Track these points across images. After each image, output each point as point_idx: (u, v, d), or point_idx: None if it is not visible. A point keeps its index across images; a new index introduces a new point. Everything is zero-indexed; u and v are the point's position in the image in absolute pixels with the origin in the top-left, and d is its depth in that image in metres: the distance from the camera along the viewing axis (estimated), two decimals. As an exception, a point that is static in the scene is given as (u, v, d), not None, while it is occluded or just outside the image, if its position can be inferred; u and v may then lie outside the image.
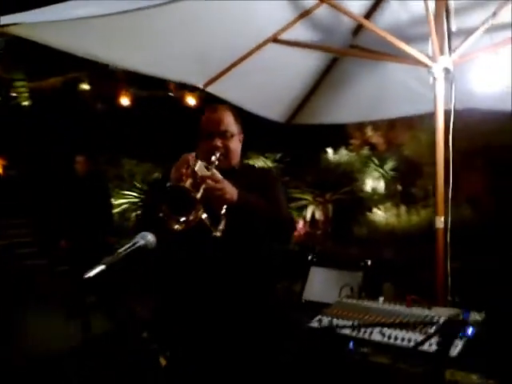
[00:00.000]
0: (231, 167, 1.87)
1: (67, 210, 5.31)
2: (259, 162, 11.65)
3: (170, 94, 16.83)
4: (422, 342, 1.72)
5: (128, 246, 1.21)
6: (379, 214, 10.34)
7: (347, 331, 1.96)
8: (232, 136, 1.86)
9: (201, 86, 2.97)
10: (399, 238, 9.19)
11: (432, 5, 2.28)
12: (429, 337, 1.75)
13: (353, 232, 9.51)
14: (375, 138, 12.90)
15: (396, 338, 1.85)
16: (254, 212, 1.70)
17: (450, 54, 2.30)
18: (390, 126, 12.65)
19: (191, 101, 16.30)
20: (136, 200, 9.75)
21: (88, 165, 5.45)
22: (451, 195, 2.45)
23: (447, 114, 2.37)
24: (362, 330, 1.95)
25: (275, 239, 1.88)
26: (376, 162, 11.45)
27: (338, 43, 2.98)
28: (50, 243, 6.09)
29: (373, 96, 3.38)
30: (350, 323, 2.02)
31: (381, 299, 2.22)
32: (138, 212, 9.84)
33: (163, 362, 3.93)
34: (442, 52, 2.29)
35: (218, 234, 1.53)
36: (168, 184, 1.51)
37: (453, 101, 2.33)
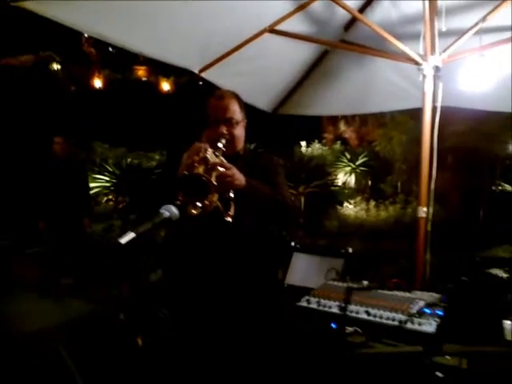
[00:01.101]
0: (236, 153, 1.92)
1: (44, 192, 5.24)
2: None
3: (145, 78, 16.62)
4: (406, 321, 1.84)
5: (155, 216, 1.27)
6: (349, 208, 10.60)
7: (334, 310, 2.08)
8: (237, 123, 1.90)
9: (196, 71, 3.01)
10: (367, 232, 9.47)
11: (425, 5, 2.40)
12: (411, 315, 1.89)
13: (324, 225, 9.72)
14: (348, 133, 13.18)
15: (381, 317, 1.98)
16: (260, 197, 1.75)
17: (439, 53, 2.43)
18: (363, 122, 12.95)
19: (165, 86, 16.17)
20: (108, 184, 9.62)
21: (66, 146, 5.38)
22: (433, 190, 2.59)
23: (433, 110, 2.50)
24: (349, 309, 2.07)
25: (280, 224, 1.95)
26: (348, 156, 11.73)
27: (330, 37, 3.08)
28: (27, 224, 5.98)
29: (359, 90, 3.50)
30: (336, 303, 2.14)
31: (365, 282, 2.35)
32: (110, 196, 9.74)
33: (139, 342, 3.99)
34: (432, 51, 2.42)
35: (229, 218, 1.58)
36: (185, 172, 1.54)
37: (439, 98, 2.46)
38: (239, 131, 1.93)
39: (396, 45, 2.48)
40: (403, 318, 1.94)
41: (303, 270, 3.08)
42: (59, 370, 2.83)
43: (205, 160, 1.62)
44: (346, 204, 10.65)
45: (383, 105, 3.76)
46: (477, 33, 2.35)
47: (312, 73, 3.47)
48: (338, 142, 12.73)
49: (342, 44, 3.06)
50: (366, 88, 3.51)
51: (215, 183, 1.48)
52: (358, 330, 2.39)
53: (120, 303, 4.67)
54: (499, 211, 10.03)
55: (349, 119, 12.84)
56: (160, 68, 15.96)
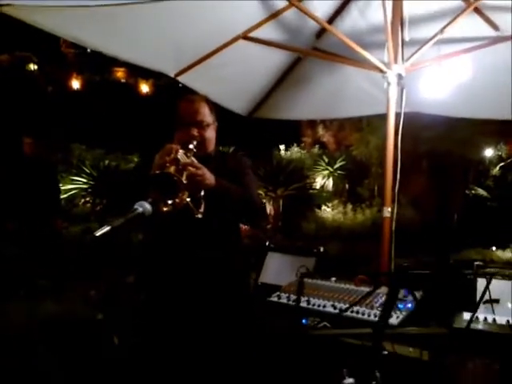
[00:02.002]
0: (207, 154, 2.00)
1: (13, 192, 5.17)
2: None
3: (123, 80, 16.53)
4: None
5: (129, 212, 1.34)
6: (327, 211, 10.77)
7: (304, 304, 2.19)
8: (208, 126, 1.99)
9: (172, 75, 3.09)
10: (345, 235, 9.64)
11: (389, 15, 2.53)
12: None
13: (301, 227, 9.85)
14: (326, 137, 13.38)
15: (346, 310, 2.09)
16: (229, 196, 1.84)
17: (403, 61, 2.56)
18: (340, 127, 13.17)
19: (144, 88, 16.14)
20: (85, 186, 9.57)
21: (36, 147, 5.35)
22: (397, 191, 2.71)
23: (398, 116, 2.63)
24: (316, 303, 2.18)
25: (247, 222, 2.04)
26: (326, 160, 11.92)
27: (302, 44, 3.19)
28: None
29: (331, 95, 3.63)
30: (305, 298, 2.24)
31: (333, 279, 2.47)
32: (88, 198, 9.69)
33: (116, 340, 4.03)
34: (396, 60, 2.55)
35: (200, 215, 1.67)
36: (156, 171, 1.61)
37: (403, 104, 2.60)
38: (210, 133, 2.02)
39: (362, 53, 2.60)
40: (366, 310, 2.06)
41: (276, 268, 3.17)
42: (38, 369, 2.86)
43: (176, 160, 1.70)
44: (323, 207, 10.81)
45: (353, 110, 3.90)
46: (437, 43, 2.49)
47: (286, 78, 3.57)
48: (317, 146, 12.92)
49: (313, 52, 3.17)
50: (338, 93, 3.64)
51: (185, 182, 1.57)
52: (327, 324, 2.52)
53: (98, 303, 4.68)
54: (472, 215, 10.33)
55: (327, 124, 13.04)
56: (139, 70, 15.90)
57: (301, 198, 10.57)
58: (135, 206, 1.38)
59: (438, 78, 2.54)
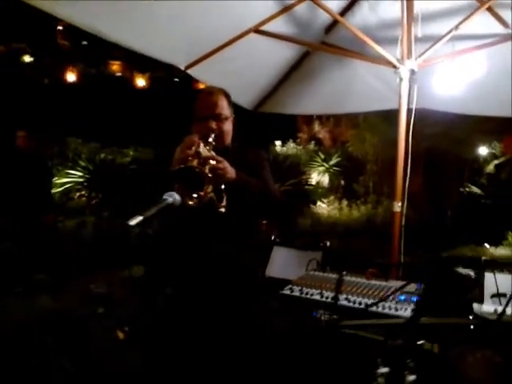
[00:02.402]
0: (225, 147, 1.98)
1: (4, 187, 5.12)
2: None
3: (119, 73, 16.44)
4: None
5: (158, 202, 1.34)
6: (323, 207, 10.81)
7: (317, 297, 2.20)
8: (226, 119, 1.98)
9: (182, 67, 3.09)
10: (340, 230, 9.69)
11: (404, 10, 2.54)
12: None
13: (297, 223, 9.88)
14: (322, 133, 13.39)
15: (360, 304, 2.11)
16: (249, 189, 1.84)
17: (415, 57, 2.58)
18: (336, 123, 13.19)
19: (140, 82, 16.05)
20: (81, 180, 9.52)
21: (29, 141, 5.31)
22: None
23: (409, 112, 2.65)
24: (329, 296, 2.20)
25: (266, 215, 2.04)
26: (322, 156, 11.94)
27: (311, 39, 3.20)
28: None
29: (338, 91, 3.65)
30: (317, 291, 2.26)
31: (344, 272, 2.48)
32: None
33: (121, 335, 4.03)
34: (409, 55, 2.57)
35: (223, 209, 1.66)
36: (181, 165, 1.60)
37: (414, 100, 2.62)
38: (228, 126, 2.01)
39: (375, 48, 2.62)
40: (379, 304, 2.08)
41: (282, 262, 3.19)
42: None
43: (198, 154, 1.69)
44: (319, 203, 10.85)
45: (360, 106, 3.92)
46: (450, 39, 2.51)
47: (293, 73, 3.58)
48: (312, 142, 12.92)
49: (324, 46, 3.18)
50: (345, 89, 3.65)
51: (210, 175, 1.57)
52: (335, 317, 2.54)
53: (99, 297, 4.67)
54: (466, 212, 10.43)
55: (323, 120, 13.05)
56: (135, 63, 15.86)
57: (297, 193, 10.59)
58: (165, 197, 1.38)
59: (449, 75, 2.56)
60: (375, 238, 8.70)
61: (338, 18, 2.77)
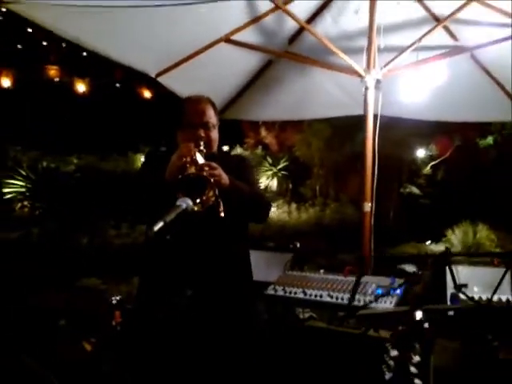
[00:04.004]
0: (211, 154, 2.01)
1: None
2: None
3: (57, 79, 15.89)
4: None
5: (174, 208, 1.37)
6: (272, 211, 10.99)
7: (300, 295, 2.31)
8: (213, 127, 2.03)
9: (153, 75, 3.10)
10: (290, 233, 9.90)
11: (365, 23, 2.72)
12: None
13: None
14: (268, 138, 13.64)
15: (342, 299, 2.24)
16: (241, 195, 1.89)
17: (380, 67, 2.76)
18: (282, 128, 13.49)
19: (81, 87, 15.60)
20: (22, 190, 9.11)
21: None
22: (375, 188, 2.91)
23: (375, 118, 2.84)
24: (313, 294, 2.31)
25: (255, 219, 2.10)
26: (270, 161, 12.17)
27: (276, 48, 3.32)
28: None
29: (299, 98, 3.80)
30: (300, 290, 2.37)
31: (321, 271, 2.61)
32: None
33: (88, 347, 3.95)
34: (374, 65, 2.75)
35: (222, 214, 1.68)
36: (185, 174, 1.62)
37: (379, 107, 2.80)
38: (215, 134, 2.07)
39: (343, 58, 2.77)
40: (361, 298, 2.22)
41: (254, 265, 3.26)
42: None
43: (194, 161, 1.74)
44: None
45: (321, 112, 4.10)
46: (413, 50, 2.72)
47: (256, 80, 3.69)
48: (260, 147, 13.13)
49: (293, 55, 3.30)
50: (306, 96, 3.81)
51: (212, 180, 1.62)
52: (313, 315, 2.67)
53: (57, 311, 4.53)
54: (406, 212, 10.99)
55: (269, 125, 13.28)
56: (74, 68, 15.40)
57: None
58: (178, 203, 1.42)
59: (411, 83, 2.77)
60: (324, 239, 9.00)
61: (306, 26, 2.90)
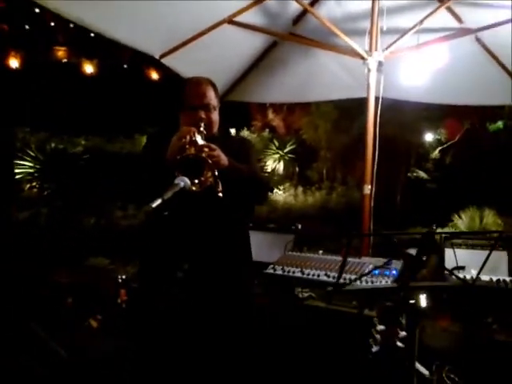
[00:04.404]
0: (212, 136, 2.03)
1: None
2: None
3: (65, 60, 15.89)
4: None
5: (172, 186, 1.41)
6: (279, 194, 11.03)
7: (298, 274, 2.36)
8: (214, 108, 2.05)
9: (157, 56, 3.12)
10: (296, 216, 9.94)
11: (369, 5, 2.71)
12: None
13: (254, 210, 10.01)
14: (275, 121, 13.58)
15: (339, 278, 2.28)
16: (240, 175, 1.92)
17: (382, 49, 2.75)
18: (289, 111, 13.42)
19: (89, 68, 15.58)
20: (31, 170, 9.22)
21: None
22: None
23: (376, 101, 2.84)
24: (310, 273, 2.36)
25: (254, 199, 2.13)
26: (276, 144, 12.15)
27: (280, 29, 3.32)
28: None
29: (303, 80, 3.80)
30: (298, 269, 2.42)
31: (320, 251, 2.65)
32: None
33: (94, 323, 4.04)
34: (376, 47, 2.74)
35: (220, 194, 1.74)
36: (183, 154, 1.66)
37: (381, 90, 2.81)
38: (216, 116, 2.09)
39: (345, 40, 2.77)
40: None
41: (257, 246, 3.31)
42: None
43: (194, 142, 1.78)
44: (275, 190, 11.05)
45: (325, 94, 4.10)
46: (415, 32, 2.71)
47: (260, 63, 3.69)
48: (267, 130, 13.09)
49: (297, 37, 3.29)
50: (310, 78, 3.80)
51: (210, 161, 1.66)
52: (312, 294, 2.72)
53: (65, 288, 4.62)
54: (413, 196, 10.97)
55: (276, 108, 13.22)
56: (82, 50, 15.36)
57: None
58: (176, 181, 1.45)
59: (414, 66, 2.76)
60: (330, 222, 9.03)
61: (309, 8, 2.89)
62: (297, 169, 12.03)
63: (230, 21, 2.95)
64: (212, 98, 2.06)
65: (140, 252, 2.06)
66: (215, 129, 2.11)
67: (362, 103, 4.15)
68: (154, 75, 16.17)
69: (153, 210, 1.30)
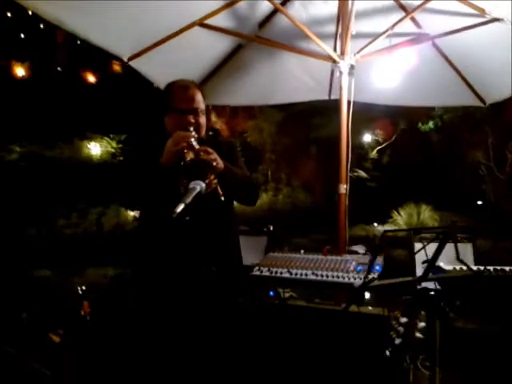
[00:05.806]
0: (201, 139, 2.01)
1: None
2: (103, 143, 11.33)
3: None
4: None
5: (190, 190, 1.38)
6: (225, 197, 11.02)
7: (286, 275, 2.39)
8: (202, 112, 2.04)
9: (125, 59, 3.02)
10: (244, 219, 9.98)
11: (334, 9, 2.79)
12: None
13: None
14: (219, 124, 13.58)
15: (327, 276, 2.34)
16: (235, 178, 1.93)
17: (354, 53, 2.84)
18: (233, 114, 13.47)
19: (20, 71, 14.77)
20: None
21: None
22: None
23: (348, 104, 2.93)
24: (298, 273, 2.40)
25: (247, 201, 2.13)
26: (221, 147, 12.11)
27: (247, 32, 3.33)
28: None
29: (268, 83, 3.84)
30: (284, 270, 2.45)
31: (302, 251, 2.70)
32: None
33: (55, 338, 3.87)
34: (347, 51, 2.83)
35: (222, 198, 1.71)
36: (187, 159, 1.64)
37: (352, 93, 2.90)
38: (203, 120, 2.08)
39: (317, 43, 2.83)
40: (344, 275, 2.33)
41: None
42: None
43: (191, 146, 1.76)
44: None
45: (290, 97, 4.16)
46: (387, 36, 2.83)
47: (225, 65, 3.69)
48: (210, 133, 13.03)
49: (270, 41, 3.30)
50: (274, 81, 3.85)
51: (214, 164, 1.65)
52: (293, 294, 2.76)
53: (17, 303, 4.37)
54: (355, 195, 11.36)
55: (219, 111, 13.22)
56: (11, 52, 14.55)
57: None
58: (191, 186, 1.43)
59: (386, 69, 2.88)
60: (279, 223, 9.17)
61: (281, 8, 2.94)
62: (243, 171, 12.08)
63: (201, 23, 2.93)
64: (200, 102, 2.06)
65: (135, 259, 2.00)
66: (203, 132, 2.11)
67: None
68: (91, 78, 15.62)
69: (177, 215, 1.27)
